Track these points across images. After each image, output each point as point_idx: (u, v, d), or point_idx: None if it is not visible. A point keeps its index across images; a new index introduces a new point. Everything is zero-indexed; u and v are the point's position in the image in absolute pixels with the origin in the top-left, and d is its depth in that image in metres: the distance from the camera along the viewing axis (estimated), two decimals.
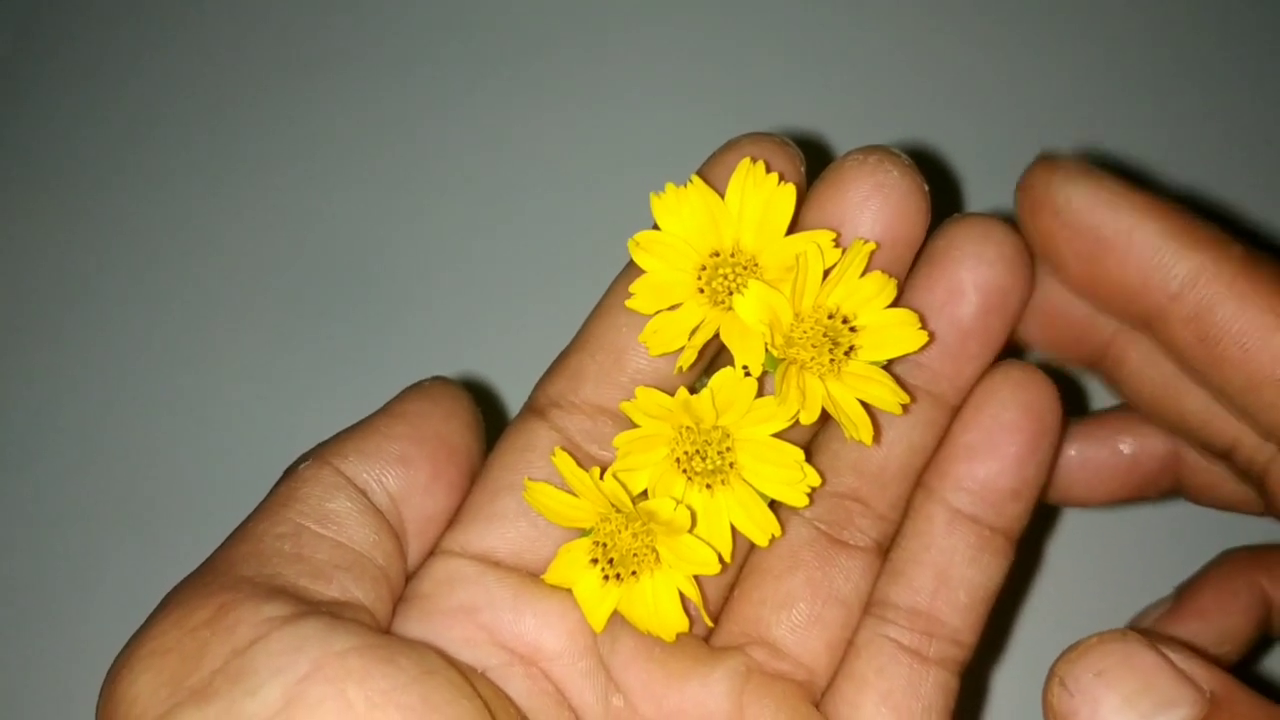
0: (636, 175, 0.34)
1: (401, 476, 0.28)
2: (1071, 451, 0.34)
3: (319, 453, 0.28)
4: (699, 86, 0.44)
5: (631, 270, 0.29)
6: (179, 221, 0.43)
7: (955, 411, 0.30)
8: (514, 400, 0.40)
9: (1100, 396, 0.40)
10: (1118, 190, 0.27)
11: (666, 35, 0.44)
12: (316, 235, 0.43)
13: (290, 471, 0.28)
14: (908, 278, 0.30)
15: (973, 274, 0.29)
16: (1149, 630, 0.27)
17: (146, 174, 0.44)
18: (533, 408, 0.30)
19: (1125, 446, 0.34)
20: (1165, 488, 0.35)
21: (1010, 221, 0.30)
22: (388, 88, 0.44)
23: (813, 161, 0.30)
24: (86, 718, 0.37)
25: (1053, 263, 0.28)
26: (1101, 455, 0.34)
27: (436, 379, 0.30)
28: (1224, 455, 0.30)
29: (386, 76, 0.44)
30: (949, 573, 0.30)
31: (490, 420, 0.31)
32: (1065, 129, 0.42)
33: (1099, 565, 0.39)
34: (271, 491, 0.28)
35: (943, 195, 0.31)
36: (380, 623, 0.27)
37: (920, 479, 0.31)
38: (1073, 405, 0.31)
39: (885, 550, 0.31)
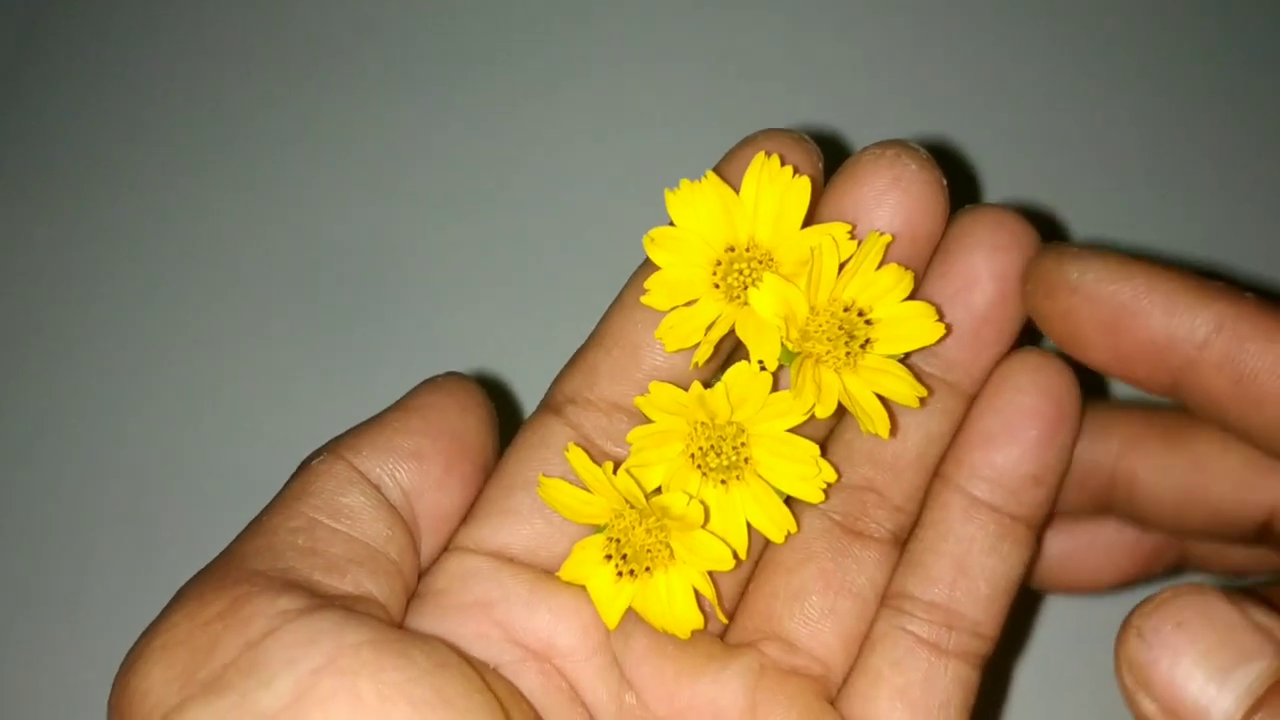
0: (654, 171, 0.34)
1: (415, 471, 0.28)
2: (1076, 531, 0.34)
3: (332, 447, 0.28)
4: (716, 82, 0.43)
5: (648, 266, 0.29)
6: (186, 216, 0.43)
7: (971, 400, 0.30)
8: (528, 396, 0.40)
9: (1120, 385, 0.39)
10: (1125, 260, 0.28)
11: (685, 31, 0.44)
12: (330, 228, 0.42)
13: (304, 466, 0.28)
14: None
15: (988, 261, 0.29)
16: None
17: (150, 173, 0.43)
18: (549, 404, 0.30)
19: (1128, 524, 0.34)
20: (1171, 561, 0.34)
21: (1025, 212, 0.30)
22: (406, 81, 0.44)
23: (830, 157, 0.30)
24: (87, 716, 0.37)
25: (1076, 340, 0.29)
26: (1107, 535, 0.34)
27: (451, 374, 0.30)
28: None
29: (405, 68, 0.44)
30: (967, 562, 0.29)
31: (505, 416, 0.31)
32: (1080, 123, 0.42)
33: None
34: (285, 486, 0.28)
35: (961, 190, 0.31)
36: (394, 617, 0.27)
37: (937, 468, 0.30)
38: (1090, 392, 0.31)
39: (903, 542, 0.30)
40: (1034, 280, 0.29)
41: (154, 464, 0.41)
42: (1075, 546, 0.34)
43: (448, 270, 0.42)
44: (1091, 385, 0.30)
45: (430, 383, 0.30)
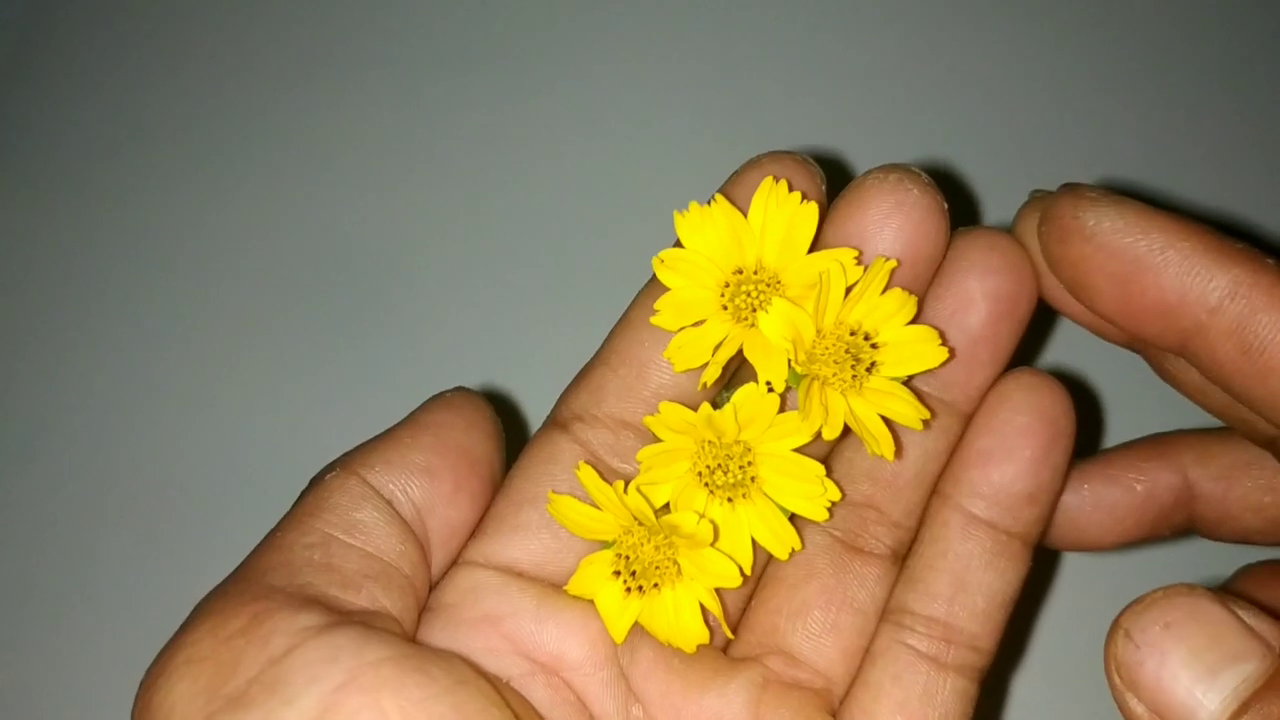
0: (658, 191, 0.34)
1: (426, 487, 0.28)
2: (1084, 490, 0.34)
3: (345, 463, 0.29)
4: (720, 103, 0.44)
5: (655, 286, 0.29)
6: (187, 221, 0.43)
7: (968, 419, 0.31)
8: (534, 412, 0.40)
9: (1114, 404, 0.40)
10: (1146, 212, 0.27)
11: (689, 51, 0.45)
12: (338, 241, 0.43)
13: (316, 481, 0.28)
14: None
15: (981, 283, 0.30)
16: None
17: (155, 175, 0.44)
18: (556, 421, 0.30)
19: (1138, 484, 0.34)
20: (1179, 524, 0.34)
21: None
22: (416, 97, 0.44)
23: (832, 180, 0.30)
24: (88, 715, 0.37)
25: (1084, 289, 0.28)
26: (1115, 494, 0.34)
27: (459, 390, 0.31)
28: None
29: (423, 84, 0.44)
30: (966, 578, 0.30)
31: (510, 432, 0.31)
32: (1082, 145, 0.43)
33: (1117, 570, 0.39)
34: (298, 501, 0.28)
35: (961, 213, 0.31)
36: (408, 632, 0.27)
37: (935, 486, 0.31)
38: (1085, 412, 0.31)
39: (902, 558, 0.31)
40: (1048, 223, 0.28)
41: (155, 467, 0.41)
42: (1082, 504, 0.34)
43: (455, 284, 0.42)
44: (1086, 406, 0.30)
45: (439, 398, 0.30)
